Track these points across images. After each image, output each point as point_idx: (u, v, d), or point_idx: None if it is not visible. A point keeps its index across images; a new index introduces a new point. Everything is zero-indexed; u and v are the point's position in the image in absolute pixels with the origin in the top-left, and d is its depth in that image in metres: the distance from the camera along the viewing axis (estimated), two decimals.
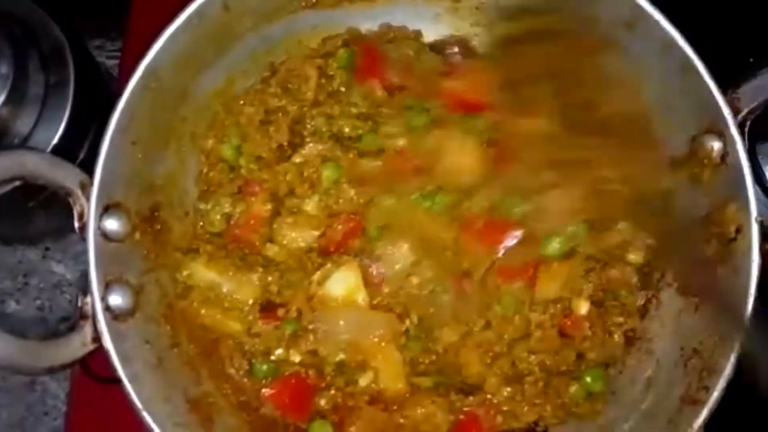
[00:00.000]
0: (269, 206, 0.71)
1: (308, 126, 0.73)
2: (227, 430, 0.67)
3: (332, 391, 0.68)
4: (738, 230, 0.63)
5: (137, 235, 0.65)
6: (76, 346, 0.60)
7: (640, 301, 0.71)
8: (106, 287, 0.61)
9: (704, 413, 0.61)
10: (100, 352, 0.61)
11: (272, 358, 0.69)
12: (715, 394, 0.61)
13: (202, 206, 0.72)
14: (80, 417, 0.85)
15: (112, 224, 0.62)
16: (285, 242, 0.71)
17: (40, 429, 0.99)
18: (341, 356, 0.68)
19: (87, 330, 0.61)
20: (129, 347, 0.61)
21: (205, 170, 0.73)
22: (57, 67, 0.92)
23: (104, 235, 0.62)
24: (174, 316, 0.68)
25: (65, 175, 0.62)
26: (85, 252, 1.03)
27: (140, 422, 0.60)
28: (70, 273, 1.05)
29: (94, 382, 0.81)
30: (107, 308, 0.61)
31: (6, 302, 1.03)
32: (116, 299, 0.62)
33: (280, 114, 0.73)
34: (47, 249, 1.06)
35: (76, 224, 0.63)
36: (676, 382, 0.64)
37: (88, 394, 0.84)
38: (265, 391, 0.68)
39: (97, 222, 0.61)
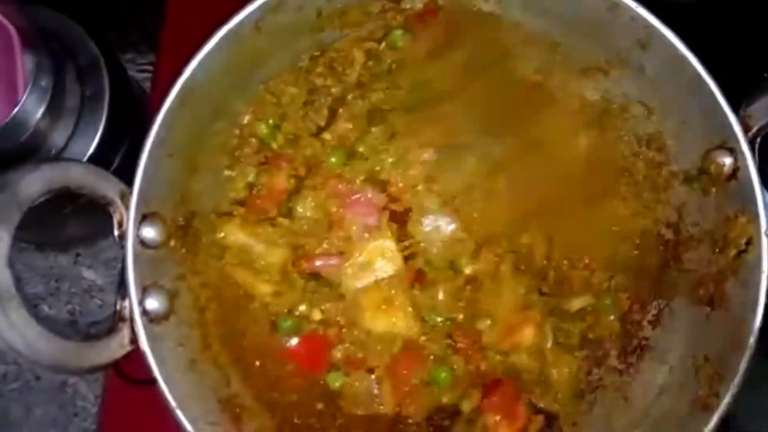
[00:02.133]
0: (292, 181, 0.74)
1: (346, 107, 0.75)
2: (255, 430, 0.69)
3: (347, 345, 0.73)
4: (748, 243, 0.65)
5: (172, 242, 0.68)
6: (115, 347, 0.63)
7: (654, 311, 0.74)
8: (143, 292, 0.64)
9: (714, 419, 0.63)
10: (134, 355, 0.64)
11: (295, 314, 0.73)
12: (726, 400, 0.63)
13: (227, 173, 0.75)
14: (112, 419, 0.88)
15: (149, 232, 0.65)
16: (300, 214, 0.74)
17: (70, 428, 1.02)
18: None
19: (125, 332, 0.63)
20: (164, 349, 0.64)
21: (236, 142, 0.75)
22: (93, 81, 0.96)
23: (141, 243, 0.65)
24: (206, 320, 0.70)
25: (107, 186, 0.65)
26: (116, 258, 1.07)
27: (169, 424, 0.63)
28: (101, 278, 1.09)
29: (125, 385, 0.85)
30: (144, 312, 0.64)
31: (39, 306, 1.07)
32: (152, 303, 0.64)
33: (323, 95, 0.76)
34: (78, 255, 1.10)
35: (116, 232, 0.66)
36: (688, 389, 0.66)
37: (120, 397, 0.87)
38: (288, 347, 0.73)
39: (136, 230, 0.64)
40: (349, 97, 0.76)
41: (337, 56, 0.77)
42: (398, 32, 0.76)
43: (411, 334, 0.73)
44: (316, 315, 0.73)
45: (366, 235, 0.73)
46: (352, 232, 0.73)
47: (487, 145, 0.75)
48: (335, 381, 0.73)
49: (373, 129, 0.74)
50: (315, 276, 0.74)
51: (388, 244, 0.73)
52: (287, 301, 0.73)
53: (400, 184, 0.75)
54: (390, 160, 0.75)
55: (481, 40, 0.75)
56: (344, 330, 0.73)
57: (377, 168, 0.75)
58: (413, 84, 0.76)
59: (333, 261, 0.74)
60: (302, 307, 0.73)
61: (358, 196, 0.74)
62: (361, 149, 0.74)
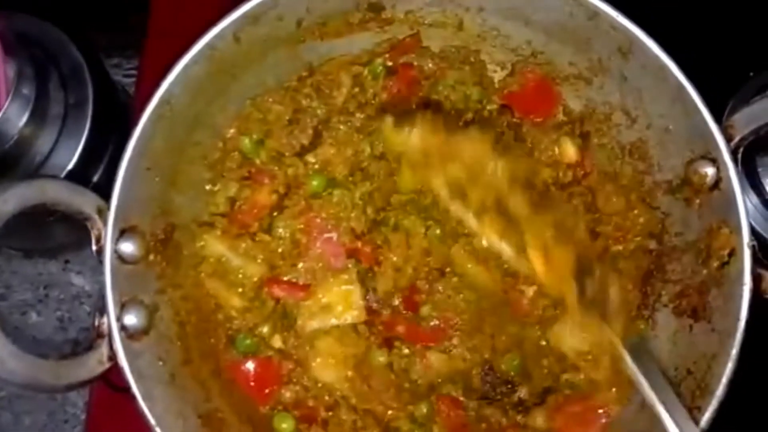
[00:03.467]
0: (274, 197, 0.74)
1: (331, 131, 0.75)
2: None
3: (297, 387, 0.71)
4: (731, 254, 0.65)
5: (151, 257, 0.68)
6: (94, 364, 0.63)
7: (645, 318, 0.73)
8: (122, 308, 0.64)
9: None
10: (115, 367, 0.64)
11: (256, 333, 0.72)
12: (707, 415, 0.62)
13: (208, 187, 0.75)
14: (99, 425, 0.88)
15: (127, 247, 0.65)
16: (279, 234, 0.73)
17: None
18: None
19: (103, 349, 0.63)
20: (143, 365, 0.64)
21: (218, 156, 0.75)
22: (76, 87, 0.95)
23: (120, 258, 0.65)
24: (186, 333, 0.70)
25: (83, 201, 0.65)
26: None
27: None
28: (89, 285, 1.08)
29: (112, 392, 0.85)
30: (122, 328, 0.63)
31: (27, 313, 1.07)
32: (131, 319, 0.64)
33: (308, 116, 0.76)
34: (67, 261, 1.09)
35: (93, 247, 0.66)
36: None
37: (107, 403, 0.87)
38: (239, 365, 0.72)
39: (113, 245, 0.64)
40: (334, 120, 0.75)
41: (325, 79, 0.77)
42: (379, 60, 0.77)
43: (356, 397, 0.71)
44: (276, 342, 0.72)
45: (330, 276, 0.72)
46: (317, 268, 0.72)
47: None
48: (282, 423, 0.71)
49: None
50: (278, 302, 0.74)
51: (353, 291, 0.72)
52: (252, 318, 0.73)
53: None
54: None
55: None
56: (297, 369, 0.72)
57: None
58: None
59: (296, 292, 0.72)
60: (265, 329, 0.72)
61: (330, 235, 0.73)
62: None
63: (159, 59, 0.92)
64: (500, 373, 0.73)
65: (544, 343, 0.73)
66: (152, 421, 0.62)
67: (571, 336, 0.71)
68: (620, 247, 0.74)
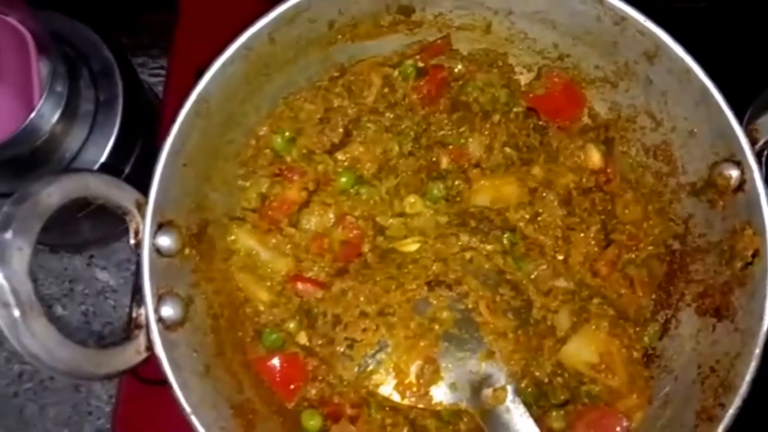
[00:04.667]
0: (304, 194, 0.75)
1: (360, 129, 0.77)
2: None
3: (322, 384, 0.72)
4: (754, 255, 0.66)
5: (187, 251, 0.69)
6: (131, 354, 0.64)
7: (660, 321, 0.74)
8: (159, 299, 0.65)
9: (720, 430, 0.63)
10: (150, 358, 0.66)
11: (283, 329, 0.73)
12: (731, 411, 0.63)
13: (240, 183, 0.76)
14: (126, 418, 0.89)
15: (164, 241, 0.67)
16: (306, 228, 0.75)
17: (85, 427, 1.04)
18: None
19: (141, 339, 0.65)
20: (179, 356, 0.65)
21: (250, 153, 0.77)
22: (106, 85, 0.97)
23: (157, 251, 0.66)
24: (219, 326, 0.72)
25: (123, 196, 0.66)
26: (129, 260, 1.08)
27: (182, 423, 0.64)
28: (114, 280, 1.11)
29: (139, 384, 0.87)
30: (159, 319, 0.65)
31: (53, 307, 1.09)
32: (168, 311, 0.66)
33: (339, 115, 0.77)
34: (92, 257, 1.11)
35: (132, 241, 0.67)
36: (693, 399, 0.67)
37: (134, 396, 0.88)
38: (265, 360, 0.73)
39: (152, 239, 0.66)
40: (364, 119, 0.77)
41: (356, 79, 0.78)
42: (410, 62, 0.78)
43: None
44: (302, 338, 0.73)
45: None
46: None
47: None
48: (309, 420, 0.72)
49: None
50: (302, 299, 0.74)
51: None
52: (280, 313, 0.74)
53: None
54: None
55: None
56: (322, 366, 0.73)
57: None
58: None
59: (315, 290, 0.73)
60: (291, 325, 0.74)
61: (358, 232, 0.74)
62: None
63: (187, 59, 0.94)
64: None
65: (557, 368, 0.73)
66: (188, 410, 0.63)
67: (581, 351, 0.72)
68: (632, 255, 0.76)
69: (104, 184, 0.66)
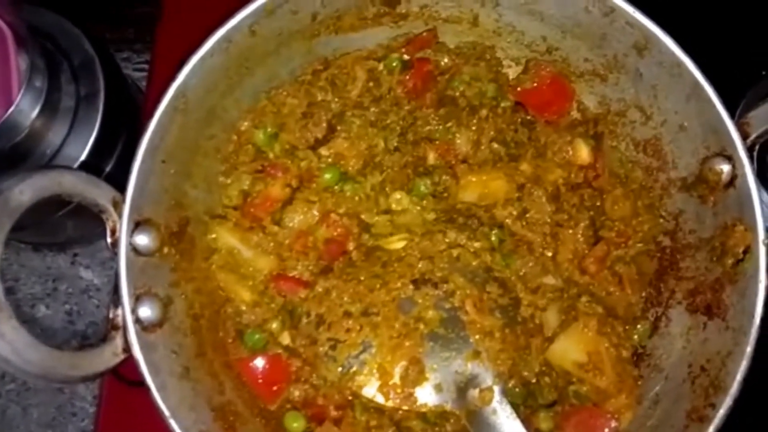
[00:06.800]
0: (287, 191, 0.74)
1: (345, 124, 0.75)
2: None
3: (306, 386, 0.71)
4: (746, 252, 0.65)
5: (165, 250, 0.68)
6: (108, 356, 0.63)
7: (650, 319, 0.73)
8: (136, 300, 0.64)
9: (710, 430, 0.62)
10: (130, 357, 0.64)
11: (265, 329, 0.72)
12: (722, 412, 0.62)
13: (221, 179, 0.75)
14: (109, 419, 0.88)
15: (142, 239, 0.65)
16: (289, 226, 0.73)
17: (68, 429, 1.03)
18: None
19: (118, 341, 0.63)
20: (157, 357, 0.64)
21: (231, 149, 0.75)
22: (87, 80, 0.95)
23: (135, 250, 0.65)
24: (199, 326, 0.70)
25: (98, 193, 0.64)
26: (113, 259, 1.07)
27: (165, 425, 0.63)
28: (98, 278, 1.09)
29: (122, 385, 0.85)
30: (137, 320, 0.63)
31: (36, 306, 1.07)
32: (145, 311, 0.64)
33: (323, 109, 0.76)
34: (75, 255, 1.10)
35: (108, 239, 0.65)
36: (684, 399, 0.66)
37: (117, 397, 0.87)
38: (247, 361, 0.71)
39: (128, 237, 0.64)
40: (348, 114, 0.75)
41: (339, 73, 0.77)
42: (395, 55, 0.77)
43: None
44: (285, 339, 0.72)
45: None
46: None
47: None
48: (293, 423, 0.70)
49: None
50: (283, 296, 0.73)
51: None
52: (262, 313, 0.72)
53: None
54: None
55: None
56: (306, 368, 0.71)
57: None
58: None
59: (299, 290, 0.72)
60: (274, 325, 0.72)
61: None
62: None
63: (171, 53, 0.92)
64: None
65: (544, 368, 0.72)
66: (166, 413, 0.62)
67: (569, 350, 0.70)
68: (622, 252, 0.74)
69: (80, 181, 0.64)
